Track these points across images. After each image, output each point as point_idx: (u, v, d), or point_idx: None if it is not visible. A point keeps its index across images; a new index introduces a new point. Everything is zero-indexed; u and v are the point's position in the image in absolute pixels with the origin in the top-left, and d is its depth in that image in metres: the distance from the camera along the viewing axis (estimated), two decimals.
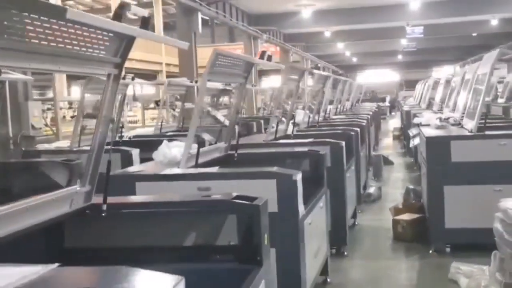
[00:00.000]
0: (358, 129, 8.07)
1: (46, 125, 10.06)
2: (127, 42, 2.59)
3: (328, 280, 5.14)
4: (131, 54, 2.62)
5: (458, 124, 6.87)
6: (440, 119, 7.21)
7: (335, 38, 30.75)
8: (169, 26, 28.46)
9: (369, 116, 11.63)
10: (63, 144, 7.55)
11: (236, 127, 5.09)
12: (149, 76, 25.63)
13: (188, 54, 15.62)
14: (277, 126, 6.51)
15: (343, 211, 5.99)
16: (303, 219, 3.85)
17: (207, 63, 3.93)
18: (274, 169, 3.76)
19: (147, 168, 4.31)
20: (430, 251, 5.89)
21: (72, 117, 15.66)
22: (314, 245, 4.35)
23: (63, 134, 9.73)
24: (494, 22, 24.79)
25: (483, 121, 5.93)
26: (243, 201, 2.82)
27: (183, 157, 3.98)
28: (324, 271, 4.94)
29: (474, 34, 32.24)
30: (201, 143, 4.35)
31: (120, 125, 7.14)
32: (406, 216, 6.55)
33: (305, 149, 5.25)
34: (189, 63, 15.74)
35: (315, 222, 4.34)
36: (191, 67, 15.63)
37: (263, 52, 5.22)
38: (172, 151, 4.36)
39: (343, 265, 5.69)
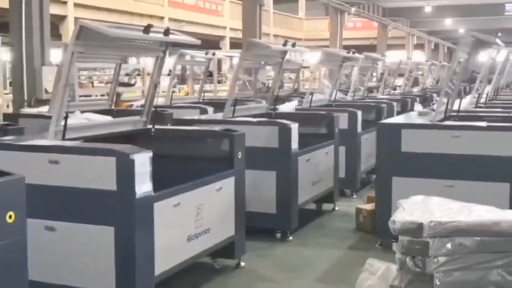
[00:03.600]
0: None
1: None
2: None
3: (242, 264, 5.02)
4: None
5: None
6: None
7: (438, 13, 29.30)
8: None
9: None
10: None
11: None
12: (212, 42, 25.89)
13: (252, 27, 15.58)
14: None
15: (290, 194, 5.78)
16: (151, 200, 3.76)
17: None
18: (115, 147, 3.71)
19: None
20: (376, 245, 5.55)
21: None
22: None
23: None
24: None
25: (443, 109, 5.44)
26: None
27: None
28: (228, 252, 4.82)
29: None
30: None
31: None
32: (369, 206, 6.20)
33: None
34: (253, 36, 15.67)
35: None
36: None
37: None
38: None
39: (276, 250, 5.52)
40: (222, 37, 25.05)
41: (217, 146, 4.90)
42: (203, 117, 6.82)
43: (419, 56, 31.17)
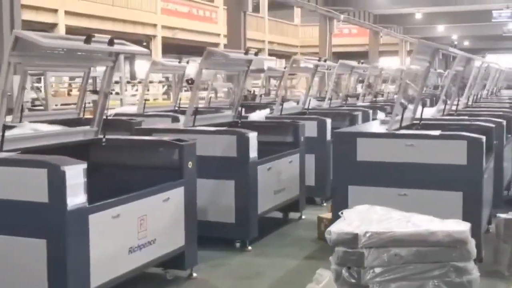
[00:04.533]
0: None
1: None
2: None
3: (194, 274, 4.99)
4: None
5: None
6: None
7: (430, 20, 29.33)
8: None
9: None
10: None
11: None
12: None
13: (236, 34, 15.61)
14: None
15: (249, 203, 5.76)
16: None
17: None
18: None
19: None
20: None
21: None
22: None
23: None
24: None
25: (398, 117, 5.42)
26: None
27: None
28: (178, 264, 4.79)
29: None
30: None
31: None
32: (331, 215, 6.16)
33: None
34: (237, 42, 15.70)
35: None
36: (239, 46, 15.57)
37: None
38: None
39: (232, 260, 5.48)
40: (216, 44, 25.08)
41: (167, 156, 4.88)
42: (167, 126, 6.80)
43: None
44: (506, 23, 28.49)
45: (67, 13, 17.84)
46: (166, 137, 5.12)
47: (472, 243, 3.78)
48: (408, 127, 6.08)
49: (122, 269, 4.12)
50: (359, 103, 11.85)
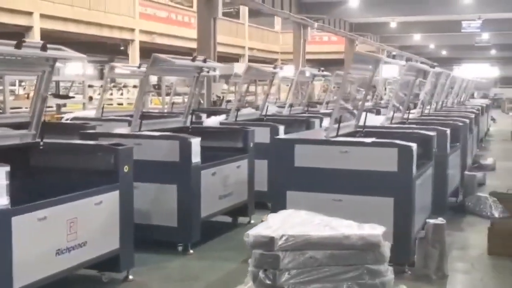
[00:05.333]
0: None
1: None
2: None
3: (130, 277, 5.06)
4: None
5: None
6: None
7: (406, 29, 29.69)
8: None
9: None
10: None
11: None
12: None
13: (206, 40, 15.68)
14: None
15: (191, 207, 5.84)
16: None
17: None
18: None
19: None
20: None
21: None
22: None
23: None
24: None
25: (336, 125, 5.55)
26: None
27: None
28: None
29: None
30: None
31: None
32: None
33: None
34: (207, 48, 15.77)
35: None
36: (209, 52, 15.66)
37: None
38: None
39: (172, 263, 5.57)
40: (194, 49, 25.18)
41: (103, 160, 4.95)
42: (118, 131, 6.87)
43: (390, 71, 31.46)
44: (479, 34, 28.98)
45: (42, 16, 17.83)
46: (105, 142, 5.19)
47: (386, 246, 3.90)
48: (351, 134, 6.23)
49: (49, 271, 4.17)
50: (322, 110, 12.01)
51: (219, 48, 27.60)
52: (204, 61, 6.58)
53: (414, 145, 5.17)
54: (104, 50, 25.70)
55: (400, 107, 8.36)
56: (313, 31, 23.65)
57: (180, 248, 5.90)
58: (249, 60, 29.80)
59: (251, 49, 31.82)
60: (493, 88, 45.98)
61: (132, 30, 22.32)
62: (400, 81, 8.17)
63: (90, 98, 17.91)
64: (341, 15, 23.98)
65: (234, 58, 28.39)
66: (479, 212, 7.44)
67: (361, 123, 6.35)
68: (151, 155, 5.84)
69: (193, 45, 25.10)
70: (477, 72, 42.67)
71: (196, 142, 5.84)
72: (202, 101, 13.70)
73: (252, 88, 17.22)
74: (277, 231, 3.86)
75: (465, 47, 38.31)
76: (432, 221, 5.14)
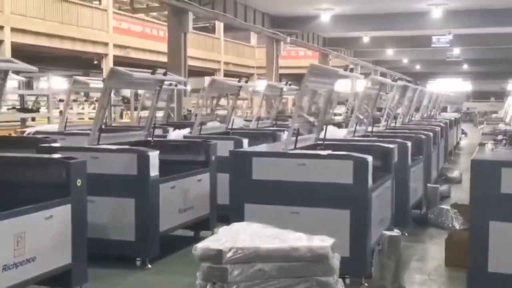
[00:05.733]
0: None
1: None
2: None
3: None
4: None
5: None
6: None
7: (379, 44, 29.96)
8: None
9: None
10: None
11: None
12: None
13: (177, 54, 15.68)
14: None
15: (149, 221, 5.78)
16: None
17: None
18: None
19: None
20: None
21: None
22: None
23: None
24: None
25: (294, 138, 5.56)
26: None
27: None
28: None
29: None
30: None
31: None
32: None
33: None
34: (177, 62, 15.76)
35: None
36: (179, 66, 15.64)
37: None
38: None
39: (127, 278, 5.50)
40: None
41: (55, 174, 4.88)
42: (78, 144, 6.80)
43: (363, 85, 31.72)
44: (450, 49, 29.39)
45: (14, 30, 17.66)
46: (58, 155, 5.12)
47: (335, 258, 3.90)
48: (311, 147, 6.24)
49: None
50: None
51: (195, 63, 27.85)
52: (165, 74, 6.55)
53: (369, 158, 5.19)
54: (79, 64, 25.56)
55: (364, 120, 8.43)
56: (286, 46, 23.75)
57: (138, 263, 5.83)
58: (225, 75, 29.86)
59: (226, 63, 31.89)
60: (465, 102, 46.77)
61: (106, 44, 22.23)
62: (361, 94, 8.23)
63: (61, 112, 17.75)
64: (314, 29, 24.11)
65: (210, 73, 28.38)
66: (441, 224, 7.49)
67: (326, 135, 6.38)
68: (109, 168, 5.79)
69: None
70: (450, 86, 43.41)
71: (154, 156, 5.80)
72: (172, 115, 13.68)
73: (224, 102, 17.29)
74: (225, 244, 3.84)
75: (438, 62, 38.77)
76: (388, 233, 5.14)
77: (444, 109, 35.26)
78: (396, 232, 5.19)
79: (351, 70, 32.26)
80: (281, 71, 26.05)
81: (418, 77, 51.79)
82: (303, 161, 5.29)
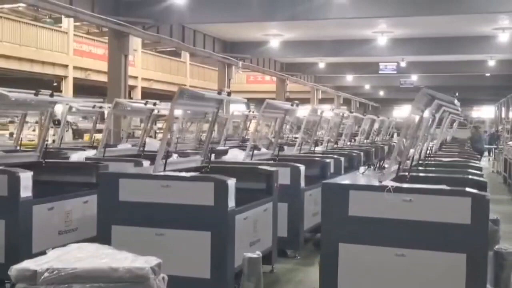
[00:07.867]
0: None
1: None
2: None
3: None
4: None
5: None
6: None
7: (336, 69, 30.34)
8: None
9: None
10: None
11: None
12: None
13: (117, 76, 15.68)
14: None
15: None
16: None
17: None
18: None
19: None
20: None
21: None
22: None
23: None
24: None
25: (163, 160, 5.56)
26: None
27: None
28: None
29: (487, 74, 31.16)
30: None
31: None
32: None
33: None
34: (117, 84, 15.74)
35: None
36: (119, 87, 15.63)
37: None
38: None
39: None
40: (133, 87, 25.15)
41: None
42: None
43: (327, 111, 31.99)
44: (405, 75, 29.89)
45: None
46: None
47: (156, 280, 3.87)
48: (197, 169, 6.25)
49: None
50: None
51: (160, 86, 27.79)
52: (51, 95, 6.51)
53: (231, 180, 5.21)
54: (39, 86, 25.33)
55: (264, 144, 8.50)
56: (238, 70, 23.89)
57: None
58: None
59: (192, 87, 31.91)
60: None
61: (66, 66, 22.18)
62: (258, 119, 8.30)
63: (11, 134, 17.58)
64: (265, 54, 24.30)
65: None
66: None
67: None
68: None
69: (133, 82, 25.10)
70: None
71: (26, 177, 5.73)
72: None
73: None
74: (44, 264, 3.79)
75: (397, 89, 39.39)
76: (248, 254, 5.12)
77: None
78: (256, 254, 5.17)
79: (297, 105, 32.38)
80: (248, 95, 26.03)
81: (383, 103, 52.50)
82: (168, 183, 5.29)
